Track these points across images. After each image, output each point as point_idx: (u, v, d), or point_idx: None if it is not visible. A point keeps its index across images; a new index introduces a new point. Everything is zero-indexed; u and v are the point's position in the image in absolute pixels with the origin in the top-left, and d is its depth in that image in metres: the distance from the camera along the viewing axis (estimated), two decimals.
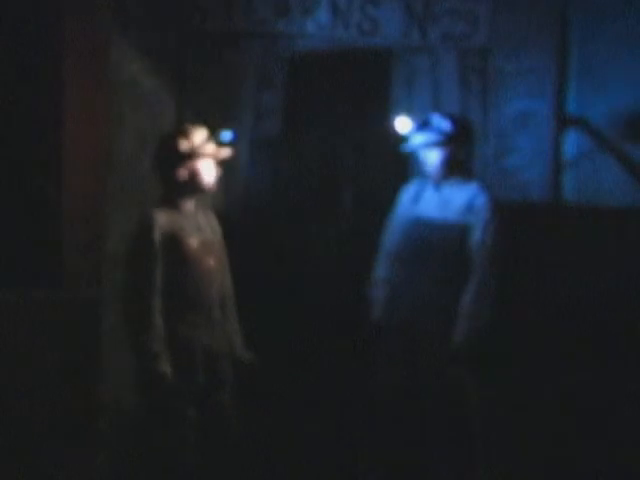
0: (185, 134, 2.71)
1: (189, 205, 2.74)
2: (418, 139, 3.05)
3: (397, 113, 3.29)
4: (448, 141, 3.00)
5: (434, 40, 3.47)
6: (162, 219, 2.62)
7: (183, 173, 2.68)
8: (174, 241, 2.63)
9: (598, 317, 3.22)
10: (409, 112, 3.31)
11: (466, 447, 3.02)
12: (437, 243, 3.02)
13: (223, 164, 2.81)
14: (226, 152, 2.78)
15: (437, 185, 3.10)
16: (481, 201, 3.02)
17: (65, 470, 3.03)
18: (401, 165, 3.26)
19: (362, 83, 3.53)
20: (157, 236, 2.59)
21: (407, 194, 3.18)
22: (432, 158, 3.05)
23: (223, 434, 2.75)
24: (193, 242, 2.67)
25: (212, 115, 3.33)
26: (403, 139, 3.12)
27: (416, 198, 3.14)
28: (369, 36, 3.47)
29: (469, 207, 3.01)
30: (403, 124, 3.12)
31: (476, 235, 2.98)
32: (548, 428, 3.18)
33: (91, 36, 3.25)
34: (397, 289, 3.10)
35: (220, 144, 2.79)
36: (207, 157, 2.72)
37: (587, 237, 3.30)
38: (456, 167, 3.06)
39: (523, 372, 3.22)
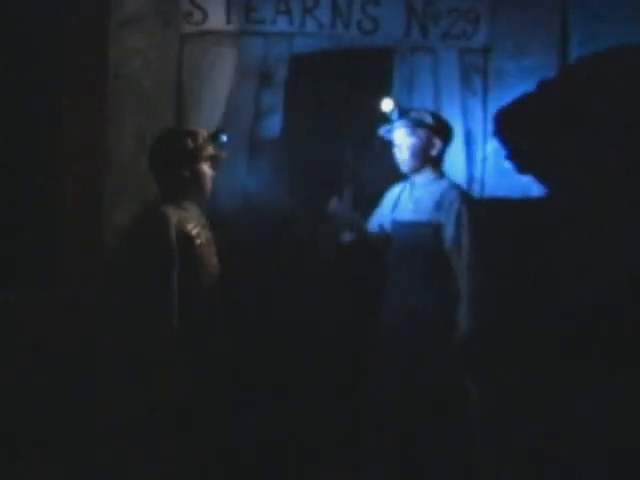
0: (189, 134, 2.73)
1: (191, 205, 2.75)
2: (396, 124, 3.12)
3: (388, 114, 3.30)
4: (424, 130, 3.07)
5: (435, 39, 3.46)
6: (174, 217, 2.62)
7: (186, 173, 2.69)
8: (185, 240, 2.62)
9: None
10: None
11: (466, 447, 3.01)
12: (413, 244, 3.04)
13: (220, 164, 2.83)
14: (225, 154, 2.81)
15: (411, 186, 3.15)
16: (451, 197, 3.04)
17: (65, 470, 3.03)
18: None
19: (362, 82, 3.52)
20: (173, 235, 2.58)
21: (387, 200, 3.25)
22: (405, 145, 3.10)
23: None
24: (201, 241, 2.67)
25: (212, 115, 3.34)
26: (385, 122, 3.17)
27: (395, 203, 3.19)
28: (369, 35, 3.45)
29: (440, 204, 3.04)
30: (387, 105, 3.17)
31: (449, 232, 2.99)
32: (548, 428, 3.17)
33: (91, 36, 3.26)
34: (386, 296, 3.13)
35: (218, 145, 2.81)
36: (208, 158, 2.74)
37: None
38: (428, 161, 3.11)
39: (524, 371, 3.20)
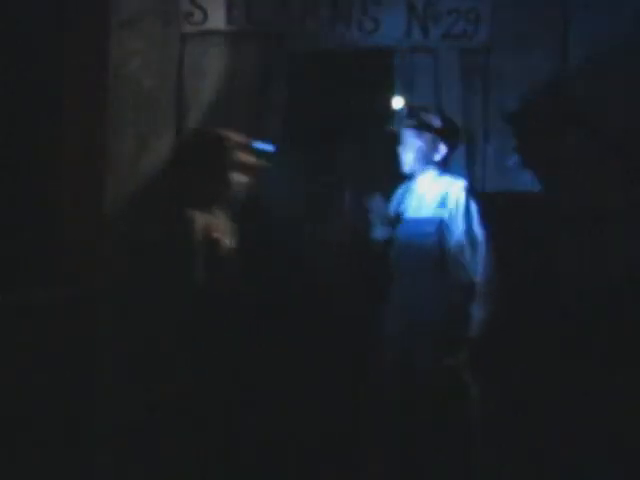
0: (223, 140, 2.71)
1: (218, 209, 2.75)
2: (404, 123, 3.12)
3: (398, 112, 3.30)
4: (431, 134, 3.06)
5: (435, 39, 3.46)
6: (200, 221, 2.61)
7: (214, 177, 2.69)
8: (211, 244, 2.62)
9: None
10: None
11: (465, 446, 3.01)
12: (416, 242, 3.03)
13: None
14: (262, 163, 2.78)
15: (414, 184, 3.14)
16: (456, 191, 3.03)
17: (65, 470, 3.03)
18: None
19: (362, 82, 3.53)
20: (199, 238, 2.59)
21: (395, 198, 3.24)
22: (410, 146, 3.09)
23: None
24: (225, 245, 2.68)
25: (212, 115, 3.34)
26: (394, 120, 3.19)
27: (401, 201, 3.18)
28: (370, 35, 3.46)
29: (442, 201, 3.03)
30: (397, 103, 3.19)
31: (458, 228, 2.98)
32: (548, 427, 3.17)
33: (91, 36, 3.26)
34: (389, 295, 3.13)
35: (255, 154, 2.79)
36: (239, 165, 2.73)
37: None
38: (431, 165, 3.10)
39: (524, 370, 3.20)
